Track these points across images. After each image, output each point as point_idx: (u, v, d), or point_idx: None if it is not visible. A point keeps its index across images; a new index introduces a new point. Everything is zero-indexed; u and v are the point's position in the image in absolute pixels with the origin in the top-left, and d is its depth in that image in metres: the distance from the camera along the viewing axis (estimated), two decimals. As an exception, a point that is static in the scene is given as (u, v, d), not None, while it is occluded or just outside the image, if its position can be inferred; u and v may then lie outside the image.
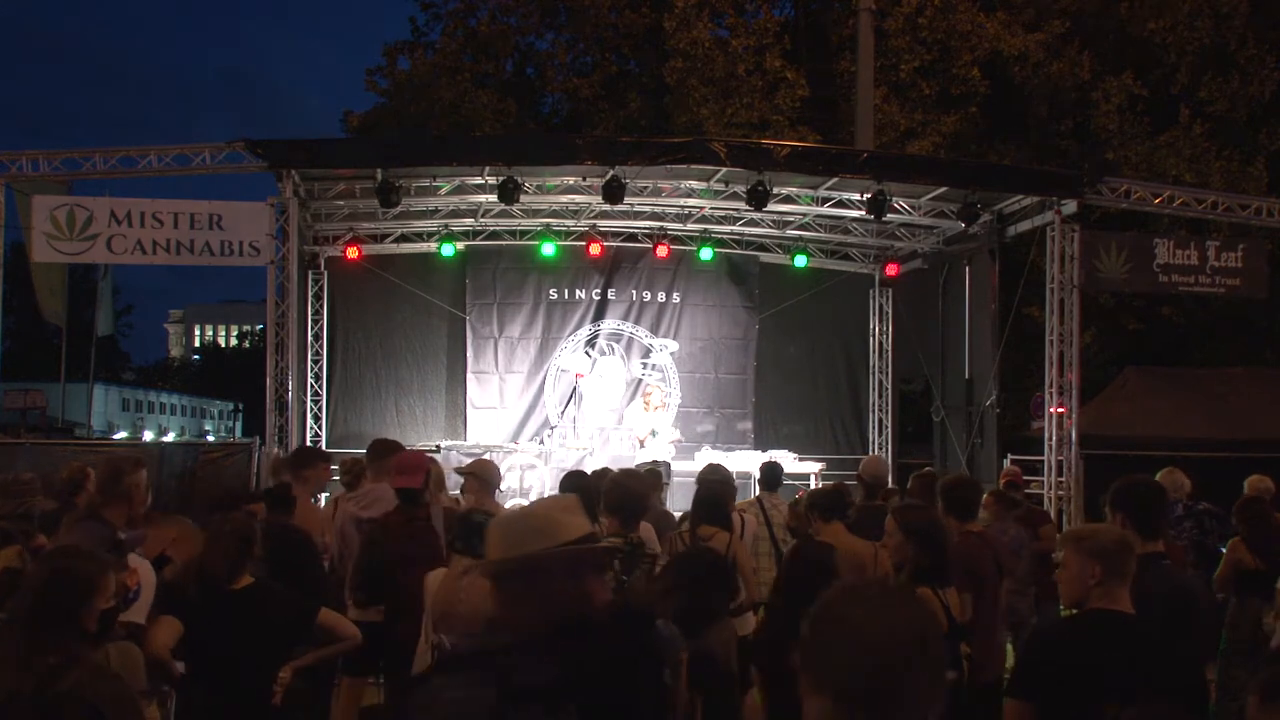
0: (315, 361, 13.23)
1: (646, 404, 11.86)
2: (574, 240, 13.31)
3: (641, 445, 11.44)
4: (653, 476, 6.69)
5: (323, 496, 9.00)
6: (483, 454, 10.51)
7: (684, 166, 11.32)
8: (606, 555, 2.11)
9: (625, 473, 5.07)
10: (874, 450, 14.43)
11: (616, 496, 4.60)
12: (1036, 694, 2.85)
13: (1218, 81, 18.82)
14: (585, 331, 13.75)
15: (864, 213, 11.95)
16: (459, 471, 6.64)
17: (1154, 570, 3.86)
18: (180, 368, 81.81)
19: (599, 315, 13.79)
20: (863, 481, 6.75)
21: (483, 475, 6.18)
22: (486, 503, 6.12)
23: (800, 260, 13.91)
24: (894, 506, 4.30)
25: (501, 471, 7.43)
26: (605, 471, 6.20)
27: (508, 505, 9.32)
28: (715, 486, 5.63)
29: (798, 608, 2.48)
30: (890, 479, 13.57)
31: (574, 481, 5.72)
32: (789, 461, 11.47)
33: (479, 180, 11.75)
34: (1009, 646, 5.27)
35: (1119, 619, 3.22)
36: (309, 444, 12.11)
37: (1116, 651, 3.06)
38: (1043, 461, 11.50)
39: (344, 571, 5.42)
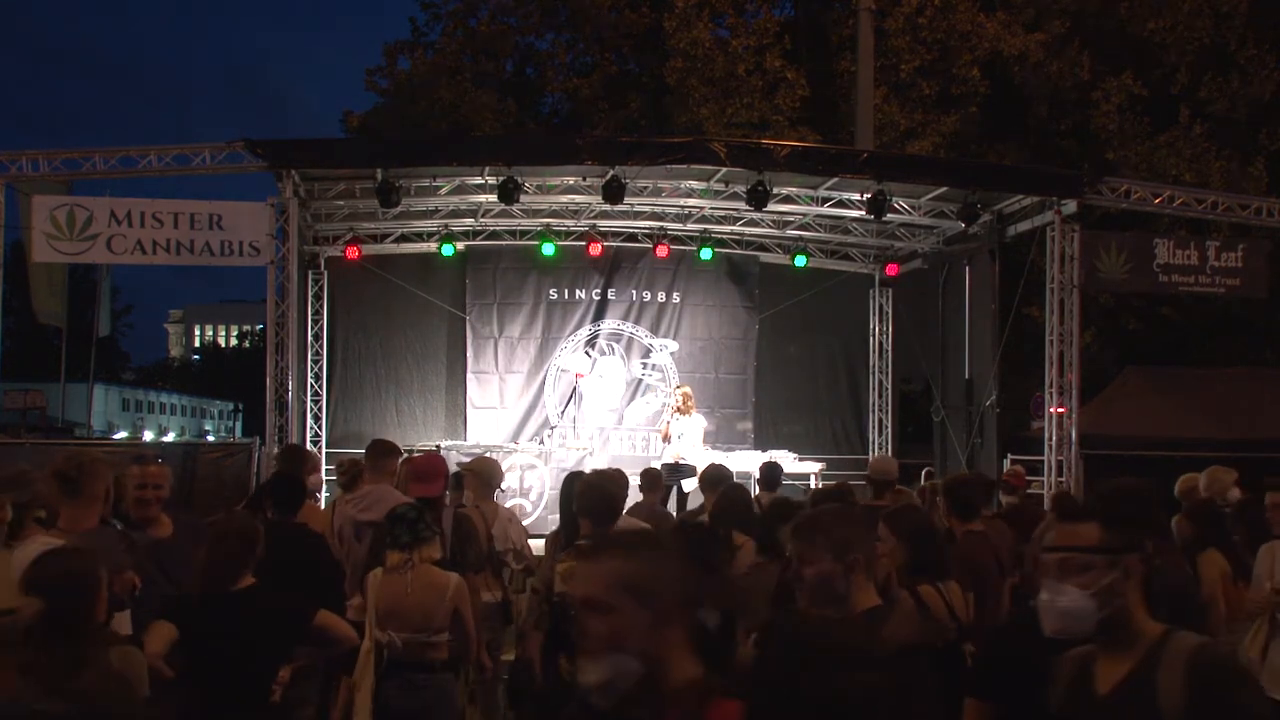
0: (315, 361, 13.23)
1: (687, 407, 11.38)
2: (574, 240, 13.29)
3: (667, 441, 11.30)
4: (623, 476, 6.48)
5: (322, 497, 8.97)
6: (483, 454, 10.49)
7: (684, 166, 11.31)
8: None
9: (597, 474, 5.00)
10: (874, 450, 14.45)
11: (589, 499, 4.42)
12: (993, 691, 2.85)
13: (1218, 81, 18.81)
14: (585, 331, 13.74)
15: (864, 213, 11.94)
16: (461, 467, 6.63)
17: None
18: (180, 368, 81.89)
19: (599, 315, 13.77)
20: (870, 480, 6.78)
21: (482, 473, 6.18)
22: (484, 502, 6.12)
23: (800, 260, 13.90)
24: (884, 512, 4.31)
25: (501, 471, 7.42)
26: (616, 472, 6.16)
27: (508, 505, 9.33)
28: (741, 491, 5.60)
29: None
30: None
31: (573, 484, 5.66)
32: (789, 461, 11.47)
33: (479, 180, 11.74)
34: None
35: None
36: (309, 444, 12.11)
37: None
38: (1043, 461, 11.50)
39: (344, 572, 5.40)
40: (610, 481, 4.63)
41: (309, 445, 12.04)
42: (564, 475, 5.84)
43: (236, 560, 3.77)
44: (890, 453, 14.50)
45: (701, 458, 10.84)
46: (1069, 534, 2.40)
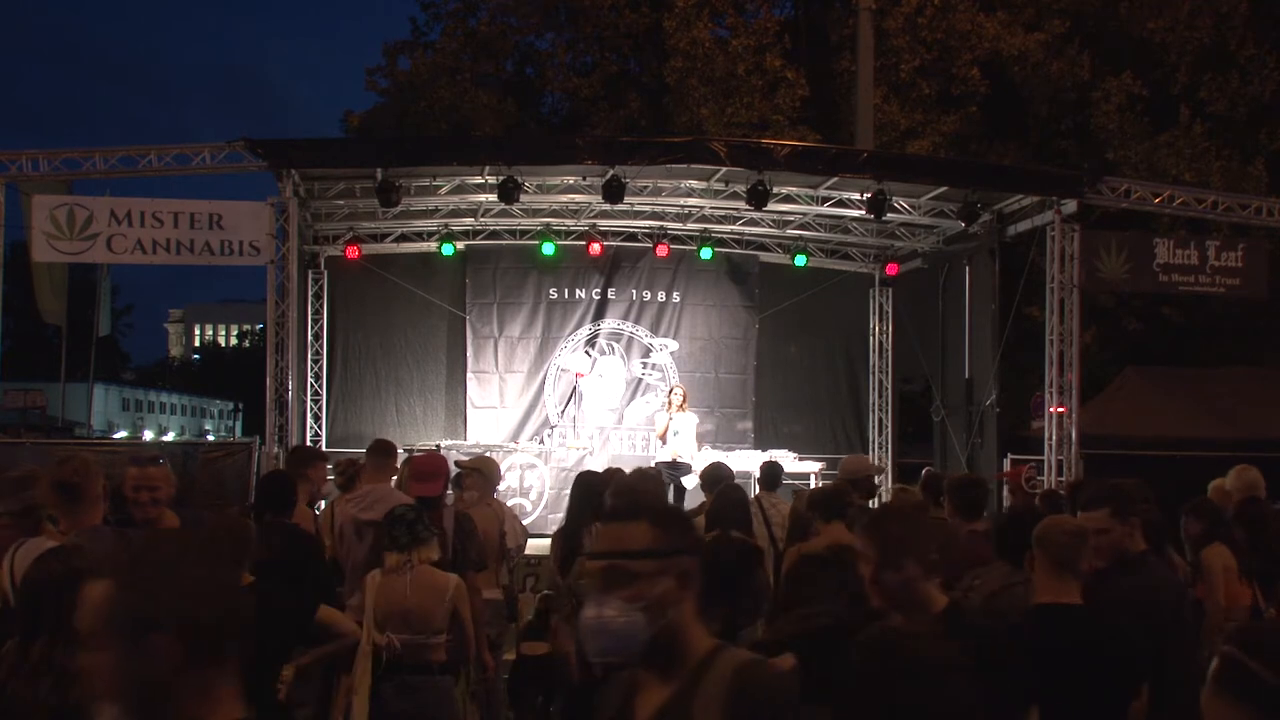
0: (315, 361, 13.23)
1: (683, 405, 11.34)
2: (574, 240, 13.30)
3: (664, 441, 11.29)
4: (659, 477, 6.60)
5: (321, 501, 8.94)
6: (482, 453, 10.50)
7: (684, 166, 11.31)
8: None
9: (638, 473, 5.04)
10: (875, 450, 14.45)
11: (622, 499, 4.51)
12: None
13: (1218, 81, 18.81)
14: (585, 331, 13.74)
15: (864, 212, 11.94)
16: (459, 465, 6.65)
17: (1144, 567, 3.89)
18: (180, 367, 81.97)
19: (599, 315, 13.77)
20: (846, 482, 6.75)
21: (486, 472, 6.22)
22: (487, 499, 6.16)
23: (800, 260, 13.90)
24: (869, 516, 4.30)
25: (501, 471, 7.45)
26: (616, 471, 6.18)
27: (508, 505, 9.34)
28: (738, 491, 5.60)
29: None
30: (887, 477, 13.69)
31: (585, 480, 5.67)
32: (789, 461, 11.46)
33: (479, 180, 11.75)
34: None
35: (1064, 612, 3.21)
36: (309, 444, 12.10)
37: (1059, 644, 3.06)
38: (1043, 461, 11.50)
39: (343, 573, 5.40)
40: (648, 481, 4.68)
41: (309, 445, 12.03)
42: (569, 474, 5.88)
43: (231, 559, 3.79)
44: (890, 453, 14.53)
45: (695, 455, 10.89)
46: (614, 536, 1.95)
